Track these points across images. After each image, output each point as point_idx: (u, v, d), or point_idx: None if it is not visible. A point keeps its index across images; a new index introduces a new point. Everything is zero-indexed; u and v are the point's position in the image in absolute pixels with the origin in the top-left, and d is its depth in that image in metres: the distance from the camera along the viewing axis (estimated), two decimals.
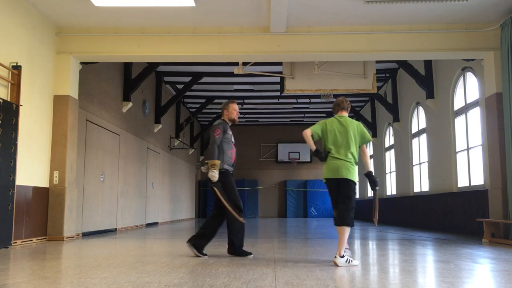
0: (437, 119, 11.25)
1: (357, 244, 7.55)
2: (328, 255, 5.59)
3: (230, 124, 5.57)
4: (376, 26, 8.35)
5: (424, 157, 12.35)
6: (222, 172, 5.32)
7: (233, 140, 5.53)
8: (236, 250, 5.38)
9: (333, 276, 3.92)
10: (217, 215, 5.47)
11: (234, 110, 5.56)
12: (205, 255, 5.37)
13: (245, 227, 5.46)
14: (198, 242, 5.37)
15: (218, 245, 6.76)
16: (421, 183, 12.76)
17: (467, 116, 9.80)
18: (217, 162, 5.24)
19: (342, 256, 4.60)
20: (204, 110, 19.00)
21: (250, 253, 5.40)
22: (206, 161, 5.30)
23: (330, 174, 4.88)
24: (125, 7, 7.49)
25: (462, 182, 10.10)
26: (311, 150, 5.02)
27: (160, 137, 15.44)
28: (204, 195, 23.40)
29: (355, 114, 18.27)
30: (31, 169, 7.40)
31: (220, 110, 18.94)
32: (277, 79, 12.73)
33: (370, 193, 18.51)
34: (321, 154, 4.93)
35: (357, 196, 21.33)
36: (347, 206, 4.76)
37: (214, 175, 5.17)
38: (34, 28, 7.54)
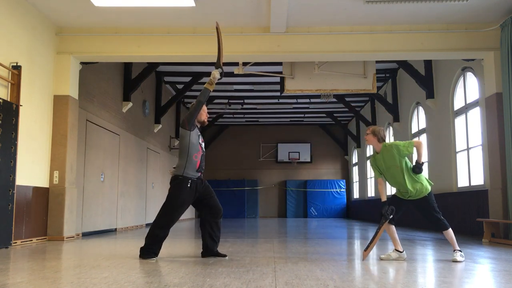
0: (437, 119, 11.25)
1: (357, 244, 7.56)
2: (328, 255, 5.59)
3: (199, 126, 5.23)
4: (376, 26, 8.35)
5: (424, 157, 12.32)
6: (180, 179, 4.97)
7: (201, 142, 5.14)
8: (142, 248, 5.08)
9: (333, 276, 3.92)
10: (209, 220, 5.22)
11: (203, 111, 5.19)
12: (225, 255, 5.27)
13: (162, 239, 5.07)
14: (212, 249, 5.23)
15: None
16: None
17: (467, 116, 9.80)
18: (207, 86, 5.05)
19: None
20: None
21: (153, 258, 5.01)
22: (211, 85, 5.06)
23: None
24: (125, 7, 7.49)
25: (462, 182, 10.10)
26: (419, 161, 5.10)
27: (160, 137, 15.44)
28: None
29: (355, 114, 18.27)
30: (31, 169, 7.40)
31: (220, 110, 19.04)
32: (277, 79, 12.73)
33: (370, 193, 18.51)
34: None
35: (356, 196, 21.35)
36: None
37: (214, 77, 5.07)
38: (34, 28, 7.54)
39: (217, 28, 5.35)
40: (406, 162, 5.14)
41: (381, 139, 5.25)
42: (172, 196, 5.05)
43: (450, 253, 5.74)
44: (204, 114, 5.22)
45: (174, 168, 5.13)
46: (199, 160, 5.06)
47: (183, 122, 5.07)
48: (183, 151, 5.05)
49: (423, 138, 12.39)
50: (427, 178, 5.32)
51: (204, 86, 5.12)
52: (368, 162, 18.67)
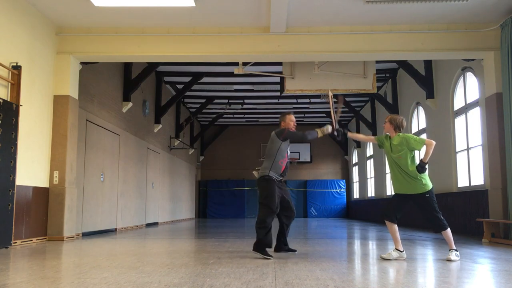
0: (437, 119, 11.25)
1: (357, 244, 7.56)
2: (328, 255, 5.59)
3: None
4: (376, 26, 8.35)
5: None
6: (266, 178, 5.52)
7: (288, 151, 5.68)
8: (257, 245, 5.34)
9: (333, 276, 3.92)
10: (283, 222, 5.79)
11: (291, 121, 5.73)
12: (294, 250, 5.79)
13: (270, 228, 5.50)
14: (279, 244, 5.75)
15: (217, 245, 6.77)
16: None
17: (467, 116, 9.80)
18: (318, 130, 5.59)
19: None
20: (204, 110, 19.00)
21: (271, 256, 5.24)
22: (321, 132, 5.59)
23: None
24: (125, 7, 7.49)
25: (462, 182, 10.10)
26: (424, 161, 5.11)
27: (160, 137, 15.44)
28: (204, 195, 23.40)
29: (355, 114, 18.27)
30: (31, 169, 7.40)
31: (220, 110, 19.06)
32: (277, 79, 12.72)
33: (370, 193, 18.51)
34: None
35: (356, 196, 21.35)
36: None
37: (327, 129, 5.59)
38: (34, 28, 7.54)
39: (330, 97, 5.81)
40: (413, 157, 5.17)
41: (397, 128, 5.33)
42: (265, 191, 5.49)
43: None
44: (291, 124, 5.73)
45: (257, 169, 5.71)
46: (284, 166, 5.60)
47: (281, 133, 5.58)
48: (270, 155, 5.60)
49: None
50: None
51: (316, 129, 5.61)
52: (368, 162, 18.67)
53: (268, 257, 5.18)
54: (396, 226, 5.24)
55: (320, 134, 5.62)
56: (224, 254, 5.59)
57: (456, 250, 5.12)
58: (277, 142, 5.58)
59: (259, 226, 5.38)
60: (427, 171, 5.29)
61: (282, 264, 4.65)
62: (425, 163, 5.10)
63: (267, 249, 5.34)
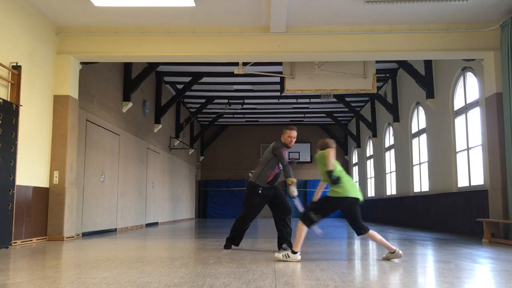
0: (437, 119, 11.25)
1: (357, 244, 7.56)
2: (328, 255, 5.59)
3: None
4: (376, 26, 8.35)
5: (424, 157, 12.35)
6: (252, 185, 5.97)
7: (279, 164, 5.93)
8: (229, 239, 6.18)
9: (333, 276, 3.92)
10: (279, 217, 6.12)
11: (289, 136, 5.96)
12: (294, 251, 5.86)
13: (244, 231, 6.24)
14: (286, 243, 6.03)
15: (217, 245, 6.77)
16: (421, 183, 12.75)
17: (467, 116, 9.80)
18: (294, 179, 5.83)
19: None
20: (204, 110, 19.00)
21: (229, 248, 6.12)
22: (286, 180, 5.80)
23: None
24: (125, 7, 7.49)
25: (462, 182, 10.10)
26: (328, 170, 5.20)
27: (160, 137, 15.44)
28: (204, 195, 23.39)
29: (355, 114, 18.27)
30: (31, 169, 7.40)
31: (220, 110, 19.07)
32: (277, 79, 12.73)
33: (370, 193, 18.51)
34: (337, 176, 5.17)
35: None
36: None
37: (293, 190, 5.79)
38: (34, 28, 7.54)
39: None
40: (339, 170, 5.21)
41: (320, 149, 5.38)
42: (247, 199, 6.04)
43: (450, 253, 5.75)
44: (289, 139, 5.98)
45: (252, 172, 6.08)
46: (272, 176, 5.95)
47: (275, 149, 5.86)
48: (261, 164, 5.99)
49: (423, 138, 12.41)
50: (359, 190, 5.33)
51: (292, 176, 5.83)
52: (368, 162, 18.67)
53: (226, 249, 6.06)
54: (372, 231, 5.24)
55: (290, 179, 5.79)
56: (224, 254, 5.59)
57: (295, 253, 5.05)
58: (270, 156, 5.92)
59: (233, 229, 6.16)
60: (345, 181, 5.21)
61: (282, 264, 4.65)
62: (330, 172, 5.07)
63: (232, 246, 6.15)
